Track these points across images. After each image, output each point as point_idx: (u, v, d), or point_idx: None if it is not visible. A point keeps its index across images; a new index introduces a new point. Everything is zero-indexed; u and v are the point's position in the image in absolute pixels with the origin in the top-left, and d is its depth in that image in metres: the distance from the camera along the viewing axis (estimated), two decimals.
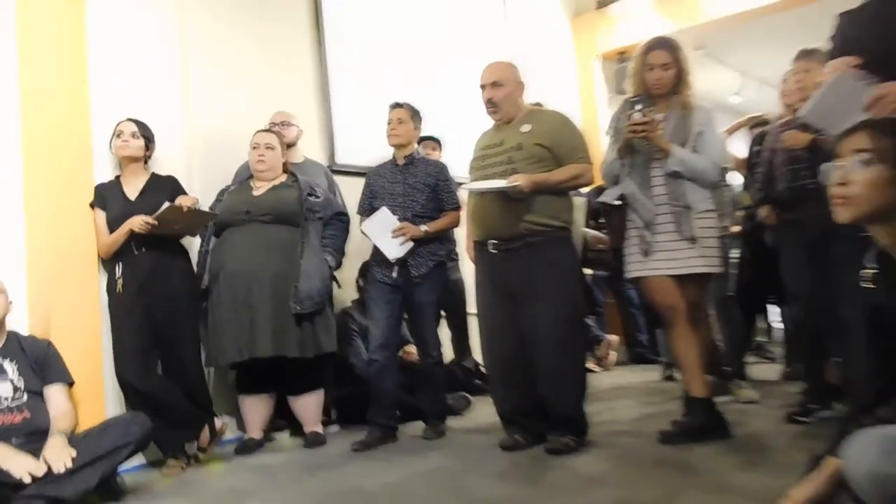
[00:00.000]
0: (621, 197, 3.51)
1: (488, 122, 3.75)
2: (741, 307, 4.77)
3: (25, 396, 3.18)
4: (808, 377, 3.81)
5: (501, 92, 3.57)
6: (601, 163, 3.66)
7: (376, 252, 4.03)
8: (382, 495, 2.87)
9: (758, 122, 4.95)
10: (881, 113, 1.99)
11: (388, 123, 4.14)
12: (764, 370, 5.46)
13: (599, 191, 4.18)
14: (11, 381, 3.19)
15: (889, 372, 1.57)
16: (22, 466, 2.87)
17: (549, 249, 3.44)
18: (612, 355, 6.53)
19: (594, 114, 7.72)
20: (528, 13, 7.46)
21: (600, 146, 3.79)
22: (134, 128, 3.93)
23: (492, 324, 3.63)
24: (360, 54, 5.69)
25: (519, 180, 3.33)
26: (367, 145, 5.15)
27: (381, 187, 4.12)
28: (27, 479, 2.85)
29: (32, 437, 3.07)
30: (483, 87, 3.61)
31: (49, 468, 2.90)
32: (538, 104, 4.14)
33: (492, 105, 3.59)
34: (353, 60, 5.61)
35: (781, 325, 5.85)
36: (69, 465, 2.94)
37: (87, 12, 3.97)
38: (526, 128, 3.54)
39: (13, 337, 3.32)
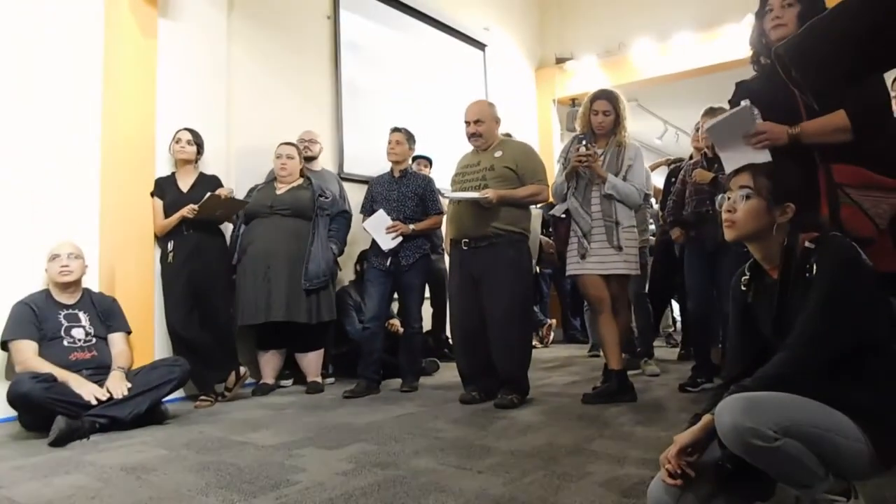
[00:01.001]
0: (566, 211, 3.56)
1: (467, 147, 3.78)
2: (652, 301, 4.87)
3: (94, 339, 3.23)
4: (697, 357, 3.89)
5: (482, 126, 3.61)
6: (552, 184, 3.71)
7: (373, 244, 4.06)
8: (365, 430, 2.88)
9: (673, 162, 5.05)
10: (755, 144, 2.05)
11: (389, 143, 4.17)
12: (666, 352, 5.57)
13: (550, 206, 4.23)
14: (84, 327, 3.23)
15: (751, 353, 1.65)
16: (90, 392, 2.94)
17: (508, 249, 3.49)
18: (552, 335, 6.61)
19: (550, 145, 7.78)
20: (501, 64, 7.51)
21: (554, 171, 3.84)
22: (189, 136, 3.97)
23: (459, 304, 3.67)
24: (366, 86, 5.71)
25: (489, 194, 3.40)
26: (369, 159, 5.18)
27: (379, 193, 4.14)
28: (93, 402, 2.92)
29: (98, 371, 3.12)
30: (468, 122, 3.65)
31: (110, 395, 2.97)
32: (508, 134, 4.18)
33: (476, 136, 3.63)
34: (360, 91, 5.63)
35: (680, 317, 5.96)
36: (126, 393, 3.01)
37: (158, 42, 4.00)
38: (498, 153, 3.58)
39: (86, 292, 3.37)
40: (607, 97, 3.53)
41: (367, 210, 4.16)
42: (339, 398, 3.79)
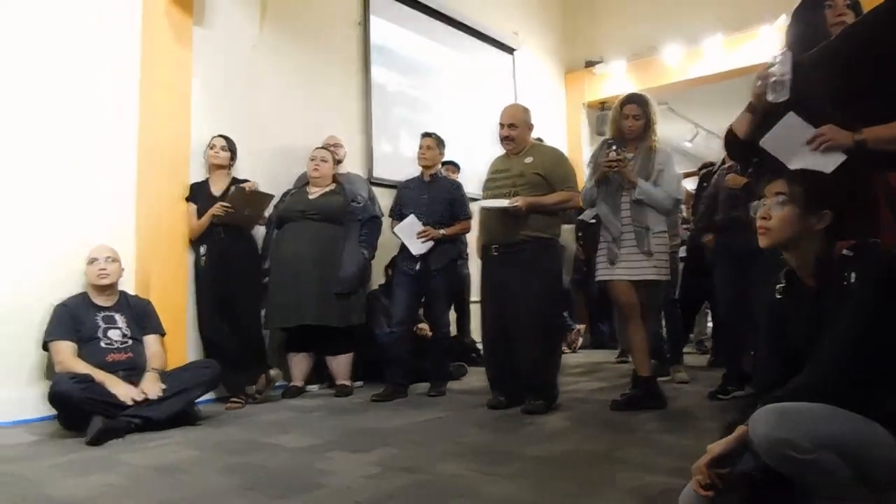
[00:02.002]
0: (596, 217, 3.54)
1: (495, 151, 3.76)
2: (682, 308, 4.80)
3: (130, 341, 3.28)
4: (727, 364, 3.82)
5: (516, 131, 3.58)
6: (582, 189, 3.67)
7: (403, 248, 4.06)
8: (392, 434, 2.88)
9: (705, 166, 4.97)
10: (818, 148, 2.03)
11: (420, 148, 4.17)
12: (696, 358, 5.48)
13: (580, 212, 4.20)
14: (120, 328, 3.28)
15: (784, 362, 1.61)
16: (125, 392, 2.98)
17: (538, 255, 3.46)
18: (580, 340, 6.55)
19: (579, 149, 7.74)
20: (530, 68, 7.49)
21: (583, 176, 3.82)
22: (223, 142, 4.02)
23: (489, 309, 3.63)
24: (395, 91, 5.74)
25: (518, 202, 3.38)
26: (398, 163, 5.20)
27: (409, 198, 4.15)
28: (129, 402, 2.96)
29: (133, 372, 3.16)
30: (502, 125, 3.62)
31: (145, 396, 3.01)
32: (539, 139, 4.15)
33: (508, 140, 3.60)
34: (390, 95, 5.66)
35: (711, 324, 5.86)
36: (160, 394, 3.05)
37: (193, 51, 4.07)
38: (529, 159, 3.55)
39: (123, 295, 3.43)
40: (637, 101, 3.49)
41: (397, 214, 4.17)
42: (366, 402, 3.80)
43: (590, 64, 7.88)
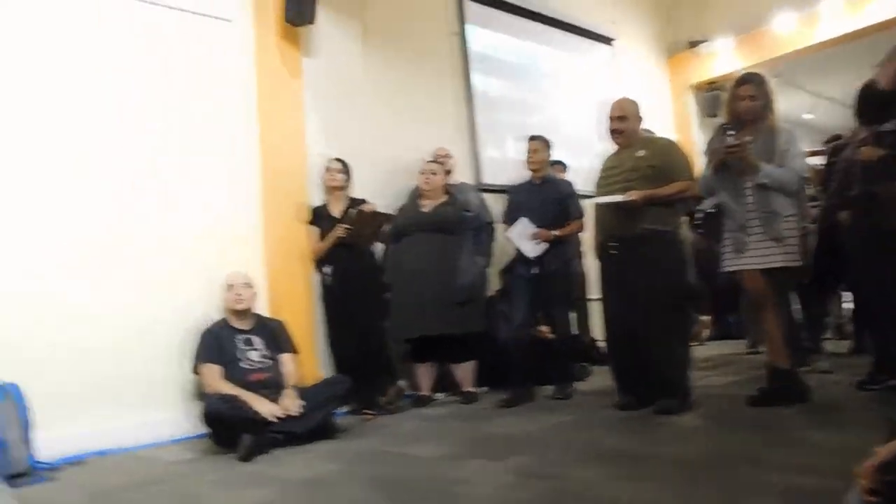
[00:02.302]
0: (716, 206, 3.40)
1: (603, 147, 3.69)
2: (818, 292, 4.51)
3: (268, 361, 3.47)
4: (877, 351, 3.54)
5: (625, 123, 3.51)
6: (699, 177, 3.52)
7: (518, 253, 4.07)
8: (523, 440, 2.89)
9: (831, 139, 4.65)
10: None
11: (527, 152, 4.17)
12: (836, 345, 5.11)
13: (698, 201, 4.04)
14: (259, 349, 3.48)
15: None
16: (269, 410, 3.14)
17: (659, 248, 3.36)
18: (705, 332, 6.30)
19: (689, 134, 7.44)
20: (631, 56, 7.29)
21: (698, 162, 3.68)
22: (339, 165, 4.19)
23: (612, 307, 3.56)
24: (497, 96, 5.76)
25: (634, 195, 3.30)
26: (506, 167, 5.21)
27: (520, 202, 4.15)
28: (272, 419, 3.12)
29: (273, 390, 3.32)
30: (611, 118, 3.54)
31: (286, 412, 3.17)
32: (649, 131, 4.03)
33: (617, 133, 3.54)
34: (492, 101, 5.69)
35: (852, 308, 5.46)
36: (300, 410, 3.20)
37: (303, 80, 4.27)
38: (641, 153, 3.46)
39: (258, 317, 3.64)
40: (752, 81, 3.32)
41: (509, 219, 4.18)
42: (494, 407, 3.82)
43: (694, 44, 7.56)
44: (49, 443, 3.01)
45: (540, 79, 6.21)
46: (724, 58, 7.23)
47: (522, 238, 3.99)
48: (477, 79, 5.56)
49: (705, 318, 6.35)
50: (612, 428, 3.01)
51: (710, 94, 7.37)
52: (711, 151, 3.43)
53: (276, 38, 4.14)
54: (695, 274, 5.96)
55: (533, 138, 4.19)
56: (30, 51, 3.37)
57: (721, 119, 3.51)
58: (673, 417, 3.10)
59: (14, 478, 2.72)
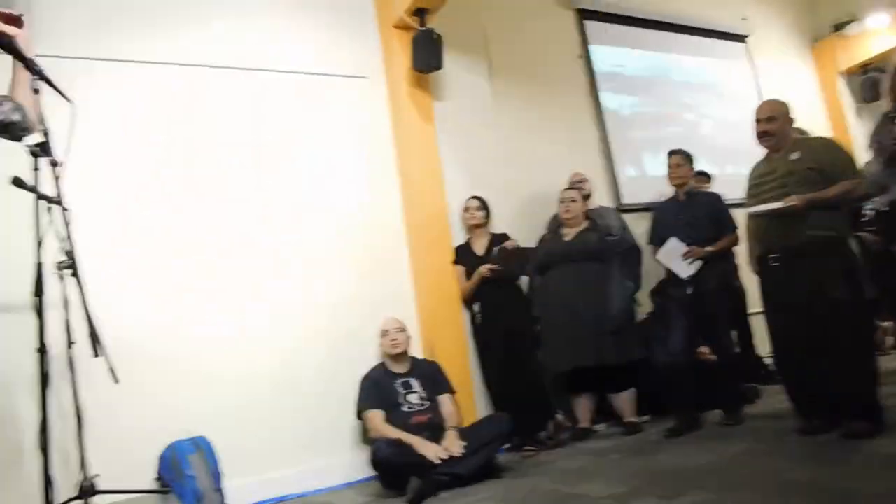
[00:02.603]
0: (892, 202, 3.08)
1: (746, 154, 3.49)
2: None
3: (427, 403, 3.53)
4: None
5: (775, 125, 3.27)
6: (866, 173, 3.23)
7: (671, 274, 3.90)
8: (700, 474, 2.71)
9: None
10: None
11: (668, 167, 4.01)
12: None
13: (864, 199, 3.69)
14: (417, 392, 3.56)
15: None
16: (434, 452, 3.18)
17: (828, 255, 3.07)
18: (889, 340, 5.67)
19: (843, 124, 6.87)
20: (768, 50, 6.86)
21: (856, 154, 3.36)
22: (477, 202, 4.25)
23: (783, 324, 3.27)
24: (629, 112, 5.63)
25: (794, 200, 3.06)
26: (645, 185, 5.05)
27: (667, 220, 3.98)
28: (437, 461, 3.15)
29: (434, 432, 3.37)
30: (759, 120, 3.32)
31: (450, 454, 3.19)
32: (802, 131, 3.74)
33: (766, 136, 3.29)
34: (624, 118, 5.56)
35: None
36: (462, 451, 3.21)
37: (436, 124, 4.38)
38: (795, 155, 3.20)
39: (414, 360, 3.73)
40: None
41: (657, 239, 4.02)
42: (660, 438, 3.65)
43: (839, 27, 7.00)
44: (234, 492, 3.23)
45: (671, 89, 5.99)
46: (877, 37, 6.62)
47: (673, 258, 3.82)
48: (606, 98, 5.47)
49: (887, 324, 5.71)
50: (798, 457, 2.76)
51: (865, 77, 6.77)
52: (878, 144, 3.11)
53: (408, 86, 4.29)
54: (869, 277, 5.45)
55: (673, 153, 4.02)
56: (198, 122, 3.73)
57: (883, 104, 3.18)
58: (866, 443, 2.78)
59: None
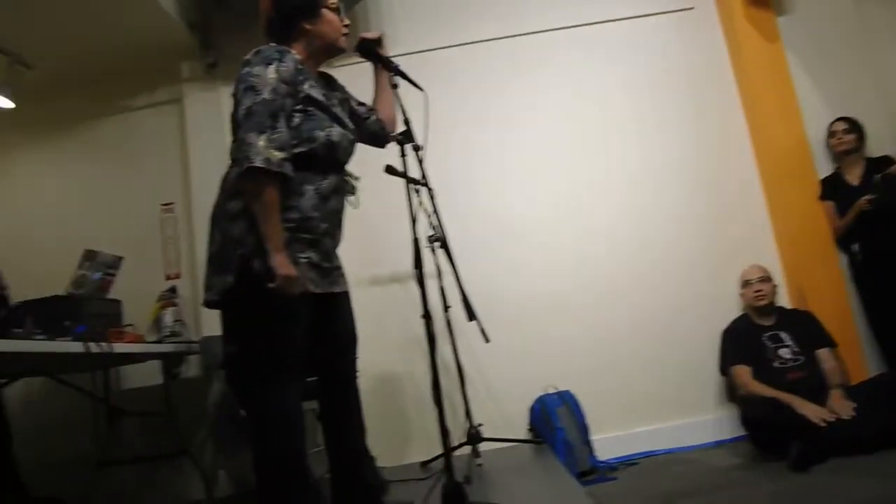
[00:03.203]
0: None
1: None
2: None
3: (802, 358, 3.18)
4: None
5: None
6: None
7: None
8: None
9: None
10: None
11: None
12: None
13: None
14: (789, 346, 3.23)
15: None
16: (816, 413, 2.85)
17: None
18: None
19: None
20: None
21: None
22: (844, 125, 3.64)
23: None
24: None
25: None
26: None
27: None
28: (820, 423, 2.81)
29: (813, 391, 3.02)
30: None
31: (836, 415, 2.83)
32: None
33: None
34: None
35: None
36: (851, 413, 2.83)
37: (783, 42, 3.85)
38: None
39: (781, 311, 3.38)
40: None
41: None
42: None
43: None
44: (602, 445, 3.32)
45: None
46: None
47: None
48: None
49: None
50: None
51: None
52: None
53: (743, 4, 3.81)
54: None
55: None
56: (522, 91, 3.87)
57: None
58: None
59: (580, 476, 3.04)
